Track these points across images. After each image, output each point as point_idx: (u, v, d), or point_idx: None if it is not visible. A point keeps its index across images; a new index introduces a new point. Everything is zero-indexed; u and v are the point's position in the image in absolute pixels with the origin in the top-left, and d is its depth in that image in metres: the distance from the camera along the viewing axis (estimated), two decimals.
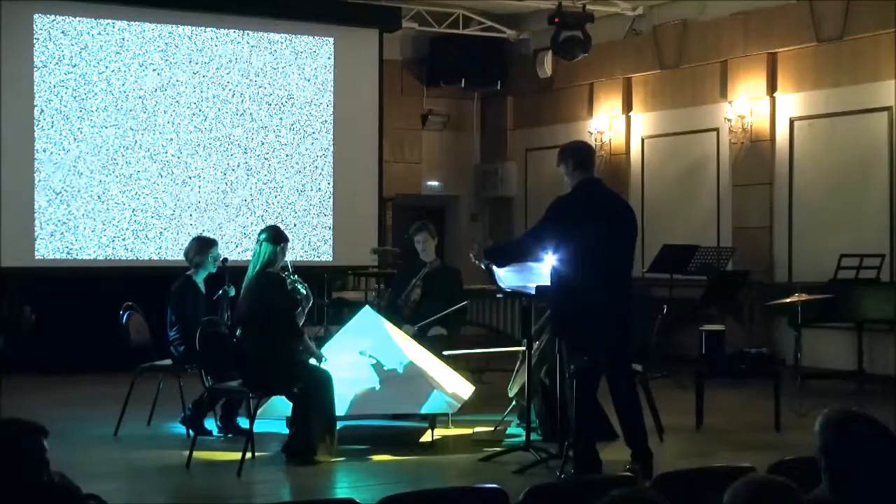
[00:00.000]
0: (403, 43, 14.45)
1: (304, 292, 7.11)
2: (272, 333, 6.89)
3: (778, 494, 2.69)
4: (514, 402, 7.76)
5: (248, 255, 7.49)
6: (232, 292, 7.77)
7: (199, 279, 8.06)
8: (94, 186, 11.47)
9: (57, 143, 11.33)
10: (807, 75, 11.42)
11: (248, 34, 12.22)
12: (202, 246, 8.13)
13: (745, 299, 11.38)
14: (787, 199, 11.60)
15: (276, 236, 7.09)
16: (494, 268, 6.79)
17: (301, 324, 7.17)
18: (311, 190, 12.53)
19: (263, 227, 7.41)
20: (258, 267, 7.01)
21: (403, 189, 14.55)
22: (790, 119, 11.60)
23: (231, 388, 7.06)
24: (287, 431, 7.08)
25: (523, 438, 6.88)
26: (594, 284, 6.34)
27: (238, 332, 7.16)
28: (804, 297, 8.70)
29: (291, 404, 6.98)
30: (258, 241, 7.12)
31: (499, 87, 14.77)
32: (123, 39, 11.62)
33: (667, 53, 12.82)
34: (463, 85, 14.53)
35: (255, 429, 6.82)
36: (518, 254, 6.91)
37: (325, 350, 7.46)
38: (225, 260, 8.22)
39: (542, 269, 6.59)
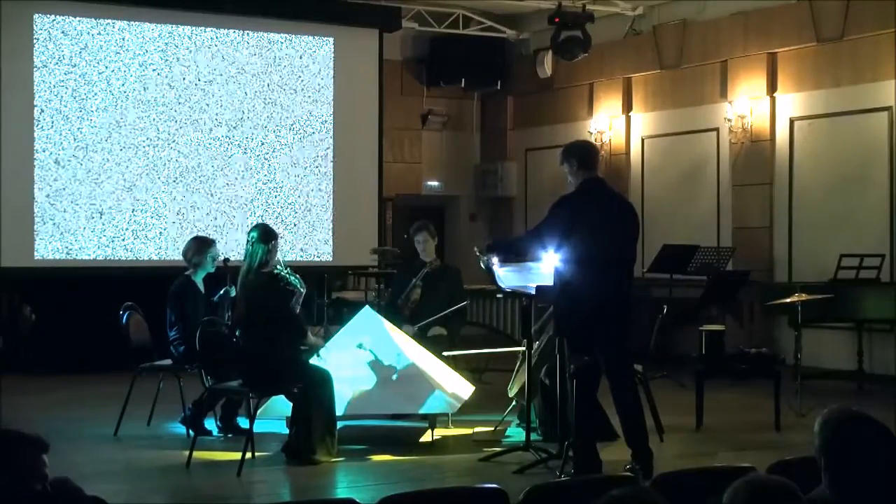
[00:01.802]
0: (403, 43, 14.46)
1: (297, 284, 7.03)
2: (271, 333, 6.88)
3: (778, 494, 2.70)
4: (514, 402, 7.76)
5: None
6: (233, 292, 7.75)
7: (199, 279, 8.06)
8: (94, 186, 11.46)
9: (57, 143, 11.33)
10: (807, 75, 11.42)
11: (248, 34, 12.21)
12: (201, 246, 8.13)
13: (745, 299, 11.37)
14: (787, 199, 11.60)
15: (265, 235, 7.05)
16: (494, 268, 6.78)
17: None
18: (311, 190, 12.52)
19: (252, 226, 7.36)
20: (253, 267, 7.00)
21: (403, 189, 14.56)
22: (790, 119, 11.61)
23: (231, 388, 7.06)
24: (287, 431, 7.08)
25: (523, 438, 6.88)
26: (596, 284, 6.34)
27: (238, 333, 7.15)
28: (804, 297, 8.69)
29: (291, 404, 6.98)
30: (248, 240, 7.09)
31: (499, 87, 14.77)
32: (123, 39, 11.61)
33: (667, 53, 12.82)
34: (463, 85, 14.54)
35: (255, 429, 6.81)
36: (519, 251, 6.94)
37: (325, 350, 7.46)
38: (226, 260, 8.22)
39: (542, 269, 6.59)
